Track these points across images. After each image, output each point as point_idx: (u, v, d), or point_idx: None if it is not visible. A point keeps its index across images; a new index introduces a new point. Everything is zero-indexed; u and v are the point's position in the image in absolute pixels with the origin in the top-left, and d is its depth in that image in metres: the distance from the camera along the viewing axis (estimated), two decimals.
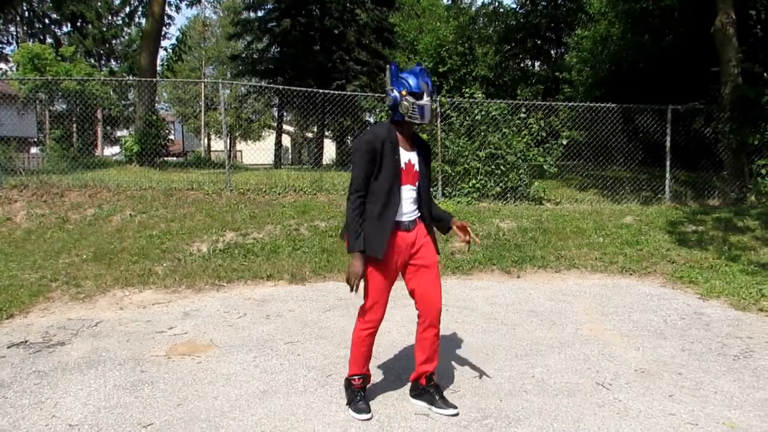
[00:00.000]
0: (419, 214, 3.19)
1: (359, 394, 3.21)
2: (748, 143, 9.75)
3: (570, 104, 11.58)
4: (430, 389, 3.24)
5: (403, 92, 3.00)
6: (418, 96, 2.99)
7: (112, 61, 29.85)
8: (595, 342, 4.39)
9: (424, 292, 3.13)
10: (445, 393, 3.29)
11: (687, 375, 3.74)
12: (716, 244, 7.41)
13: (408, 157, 3.10)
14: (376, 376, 3.58)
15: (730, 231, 7.88)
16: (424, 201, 3.19)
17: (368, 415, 3.11)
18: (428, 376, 3.25)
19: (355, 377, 3.23)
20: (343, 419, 3.09)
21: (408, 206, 3.12)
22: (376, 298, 3.09)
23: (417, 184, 3.14)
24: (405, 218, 3.11)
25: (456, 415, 3.11)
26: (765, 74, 9.70)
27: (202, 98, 39.46)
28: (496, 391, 3.48)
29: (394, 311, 4.96)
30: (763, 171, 9.67)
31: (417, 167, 3.13)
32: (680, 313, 5.15)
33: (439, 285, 3.18)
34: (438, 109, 9.78)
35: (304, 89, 12.32)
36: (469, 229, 3.21)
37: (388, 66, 3.19)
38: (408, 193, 3.11)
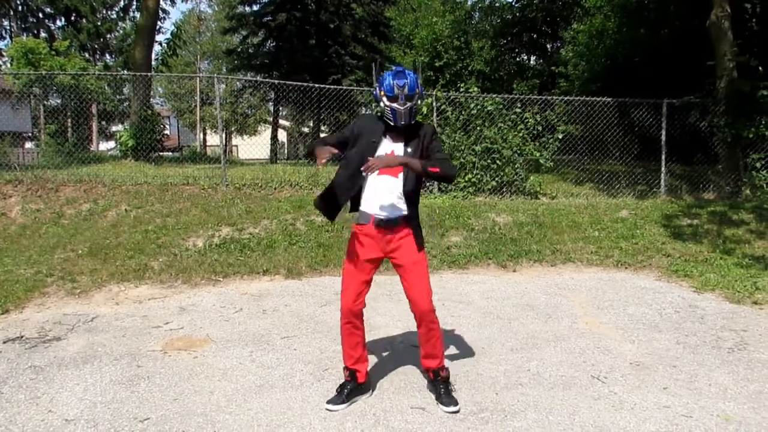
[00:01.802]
0: (405, 213, 3.13)
1: (343, 386, 3.25)
2: (743, 137, 9.76)
3: (566, 98, 11.56)
4: (437, 383, 3.26)
5: (381, 92, 3.07)
6: (391, 98, 3.03)
7: (106, 55, 29.69)
8: (591, 335, 4.40)
9: (408, 293, 3.17)
10: None
11: (682, 368, 3.76)
12: (711, 237, 7.44)
13: (392, 147, 3.10)
14: (373, 370, 3.57)
15: (725, 224, 7.91)
16: (413, 198, 3.15)
17: (333, 406, 3.14)
18: (435, 370, 3.26)
19: (344, 368, 3.27)
20: (339, 413, 3.10)
21: (386, 198, 3.10)
22: (344, 284, 3.18)
23: (399, 175, 3.10)
24: (382, 213, 3.11)
25: (456, 412, 3.10)
26: (760, 68, 9.72)
27: (198, 93, 39.30)
28: (492, 384, 3.49)
29: (390, 306, 4.98)
30: (758, 164, 9.70)
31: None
32: (675, 306, 5.18)
33: (424, 284, 3.12)
34: (434, 104, 9.77)
35: (300, 84, 12.24)
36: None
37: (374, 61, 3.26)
38: (385, 184, 3.10)
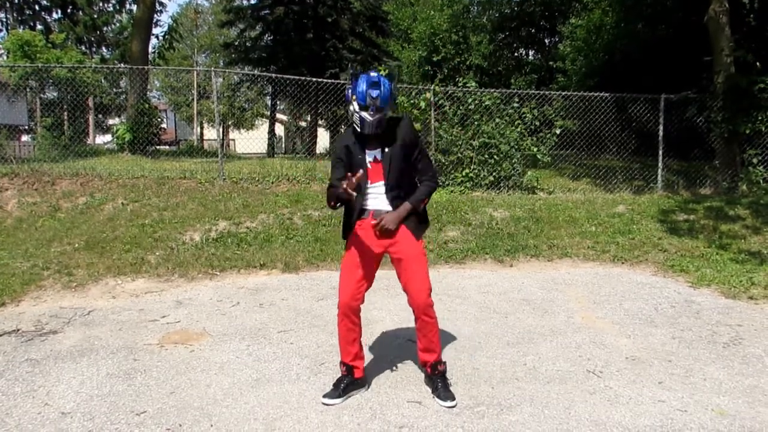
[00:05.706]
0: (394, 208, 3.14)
1: (340, 380, 3.25)
2: (740, 132, 9.77)
3: (563, 93, 11.56)
4: (435, 378, 3.26)
5: (354, 96, 3.02)
6: (362, 107, 2.99)
7: (103, 48, 29.48)
8: (587, 330, 4.42)
9: (406, 286, 3.18)
10: None
11: (677, 362, 3.78)
12: (707, 232, 7.46)
13: (374, 155, 3.12)
14: (369, 364, 3.58)
15: (721, 220, 7.93)
16: (405, 191, 3.16)
17: (329, 400, 3.14)
18: (432, 365, 3.27)
19: (341, 363, 3.29)
20: (335, 407, 3.11)
21: (381, 202, 3.15)
22: (342, 279, 3.19)
23: (387, 177, 3.11)
24: (380, 210, 3.14)
25: (453, 407, 3.11)
26: (757, 63, 9.73)
27: (195, 87, 39.12)
28: (488, 378, 3.50)
29: (387, 300, 4.98)
30: (755, 160, 9.72)
31: (384, 161, 3.11)
32: (671, 301, 5.19)
33: (422, 277, 3.13)
34: (432, 99, 9.75)
35: (297, 78, 12.18)
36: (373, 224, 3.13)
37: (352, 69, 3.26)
38: (379, 189, 3.14)
